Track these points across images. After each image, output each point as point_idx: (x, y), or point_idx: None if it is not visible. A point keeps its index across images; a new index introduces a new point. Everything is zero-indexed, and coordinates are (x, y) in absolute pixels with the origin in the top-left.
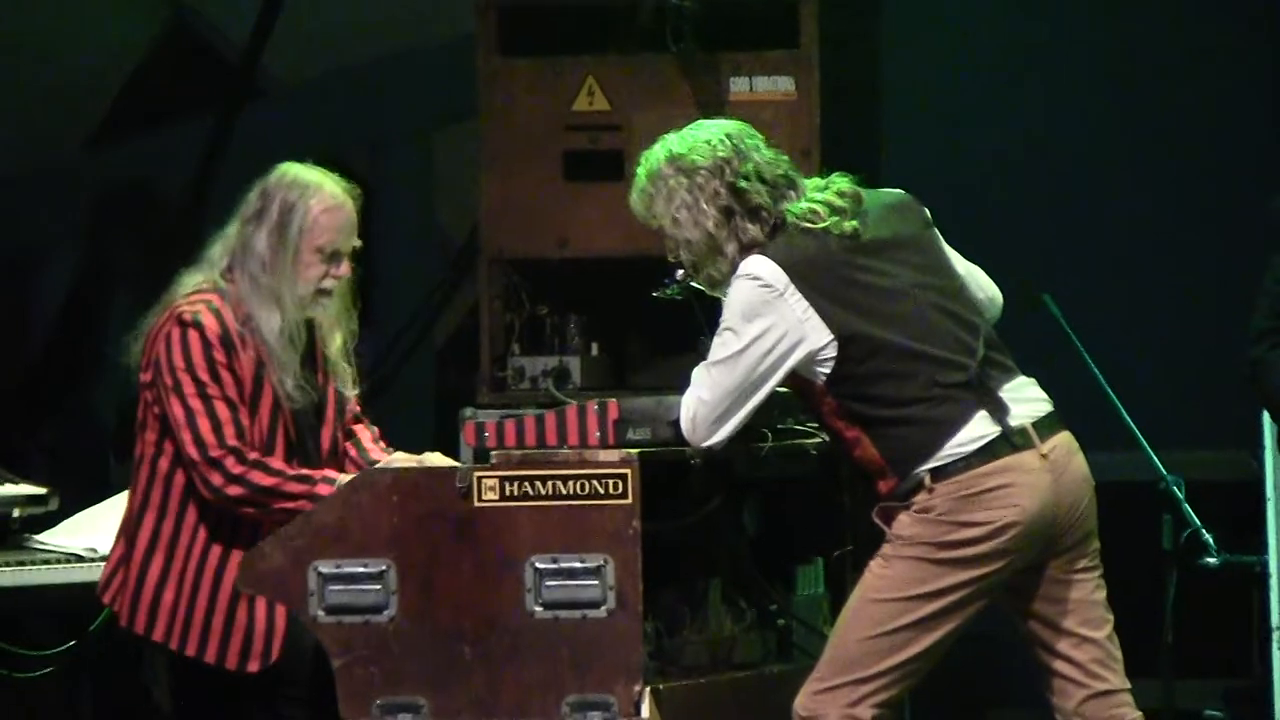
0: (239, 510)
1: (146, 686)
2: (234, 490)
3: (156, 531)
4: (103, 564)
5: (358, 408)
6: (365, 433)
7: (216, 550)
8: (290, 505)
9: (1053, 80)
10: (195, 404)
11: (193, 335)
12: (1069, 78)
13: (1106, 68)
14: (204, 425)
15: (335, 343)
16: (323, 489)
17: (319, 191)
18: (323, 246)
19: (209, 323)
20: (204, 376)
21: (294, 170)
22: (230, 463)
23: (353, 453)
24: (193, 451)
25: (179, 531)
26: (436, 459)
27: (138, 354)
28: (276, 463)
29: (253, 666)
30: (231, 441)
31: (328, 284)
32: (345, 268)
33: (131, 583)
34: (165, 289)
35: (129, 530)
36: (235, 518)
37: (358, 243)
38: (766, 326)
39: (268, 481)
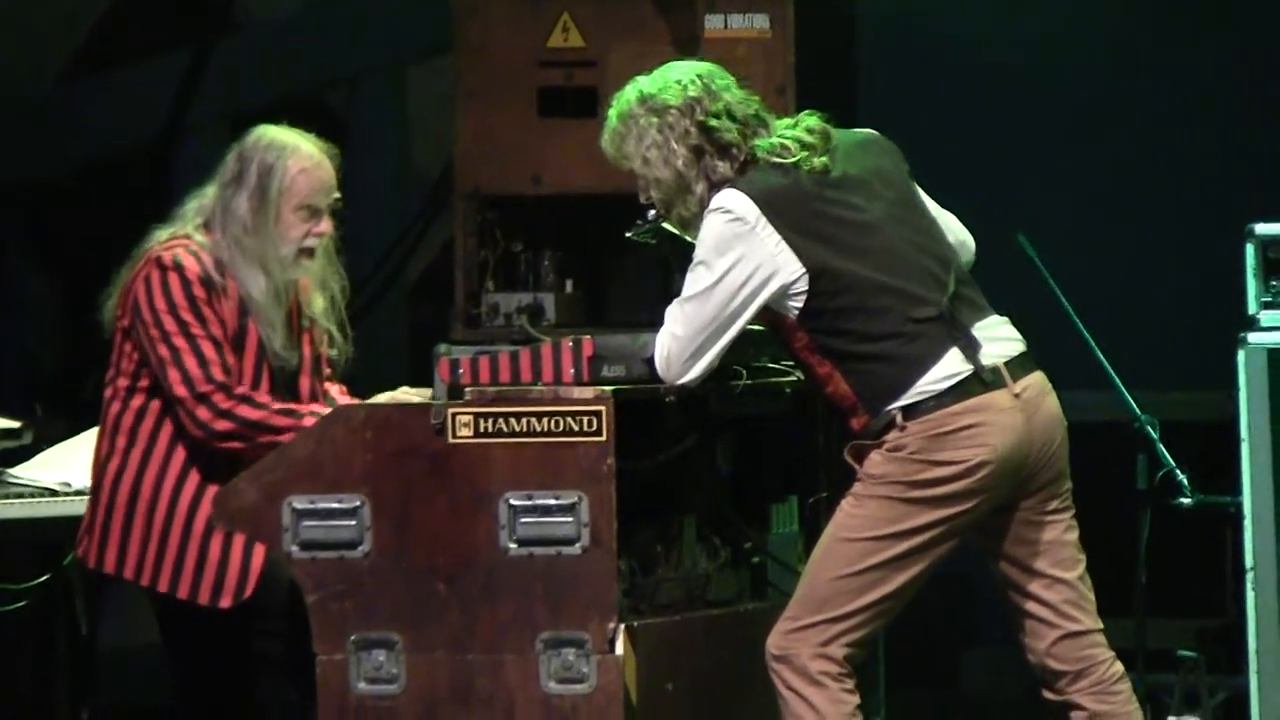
0: (225, 446)
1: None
2: (222, 425)
3: (119, 478)
4: (76, 498)
5: (329, 369)
6: (334, 388)
7: (188, 489)
8: (276, 439)
9: (1030, 19)
10: (180, 342)
11: (173, 276)
12: (1047, 18)
13: (1086, 9)
14: (190, 362)
15: (318, 304)
16: (309, 422)
17: (296, 151)
18: (302, 204)
19: (189, 263)
20: (187, 316)
21: (270, 132)
22: (219, 398)
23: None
24: (180, 390)
25: (144, 473)
26: (406, 394)
27: (112, 307)
28: (262, 396)
29: (225, 602)
30: (219, 377)
31: (310, 242)
32: (326, 224)
33: (98, 529)
34: (135, 224)
35: (95, 482)
36: (207, 455)
37: (337, 196)
38: (738, 259)
39: (255, 415)
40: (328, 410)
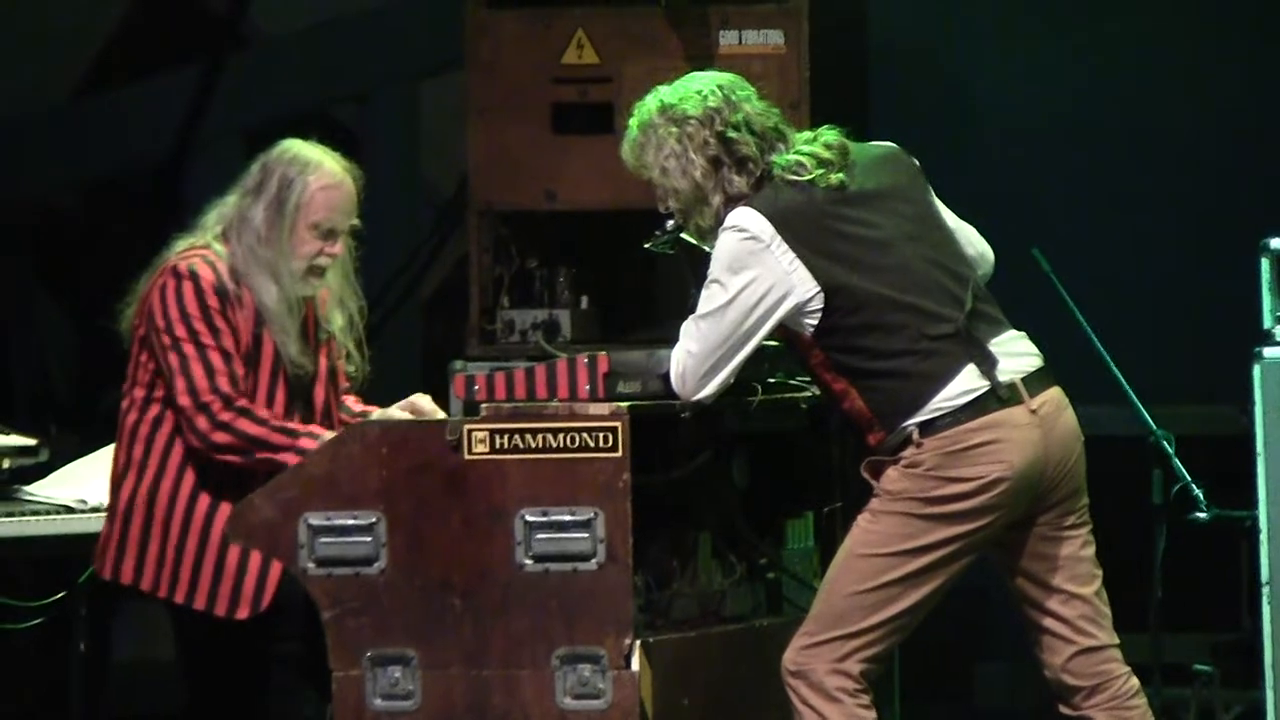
0: (222, 458)
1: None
2: (219, 437)
3: (136, 488)
4: (92, 515)
5: (346, 382)
6: (349, 397)
7: (203, 499)
8: (273, 456)
9: (1042, 31)
10: (189, 350)
11: (187, 286)
12: (1060, 28)
13: (1097, 19)
14: (197, 371)
15: (338, 320)
16: (305, 443)
17: (319, 168)
18: (318, 223)
19: (204, 273)
20: (199, 326)
21: (296, 146)
22: (217, 408)
23: (344, 417)
24: (184, 399)
25: (160, 483)
26: (422, 400)
27: (130, 317)
28: (262, 411)
29: (242, 613)
30: (224, 388)
31: (321, 261)
32: (339, 246)
33: (115, 540)
34: (147, 240)
35: (113, 494)
36: (220, 467)
37: (356, 222)
38: (753, 278)
39: (252, 430)
40: (326, 432)
